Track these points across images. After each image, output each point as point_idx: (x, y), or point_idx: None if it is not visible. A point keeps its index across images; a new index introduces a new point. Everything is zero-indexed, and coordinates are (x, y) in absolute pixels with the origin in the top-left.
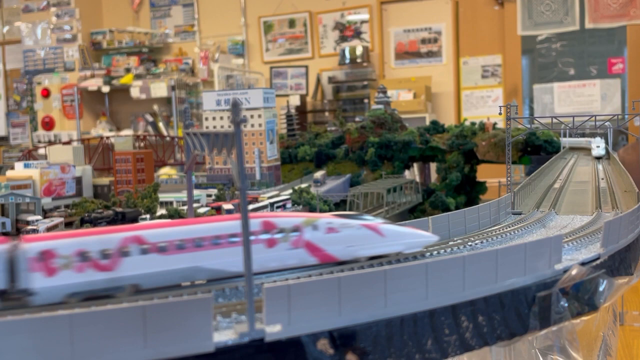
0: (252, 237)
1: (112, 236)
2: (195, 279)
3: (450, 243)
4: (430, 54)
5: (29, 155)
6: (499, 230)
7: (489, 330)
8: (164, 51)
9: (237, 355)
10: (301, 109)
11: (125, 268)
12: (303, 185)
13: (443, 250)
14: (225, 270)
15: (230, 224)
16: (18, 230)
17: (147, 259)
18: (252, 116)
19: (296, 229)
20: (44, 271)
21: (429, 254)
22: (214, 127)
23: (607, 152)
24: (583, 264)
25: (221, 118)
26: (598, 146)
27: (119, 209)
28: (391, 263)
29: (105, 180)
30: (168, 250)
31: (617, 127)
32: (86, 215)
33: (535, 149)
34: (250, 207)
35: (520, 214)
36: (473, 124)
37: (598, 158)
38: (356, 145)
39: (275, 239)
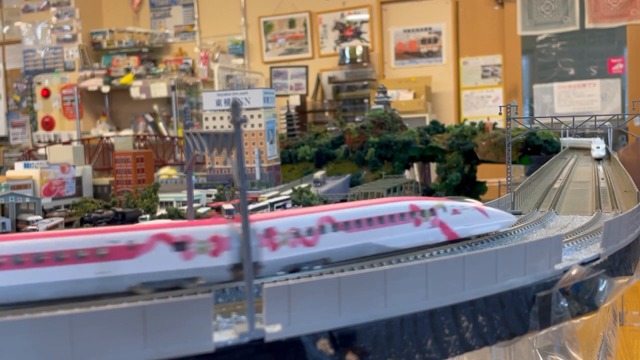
0: (403, 218)
1: (312, 216)
2: (366, 253)
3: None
4: (430, 54)
5: (29, 155)
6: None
7: (489, 330)
8: (164, 51)
9: (237, 355)
10: (301, 109)
11: (322, 244)
12: (303, 185)
13: (443, 250)
14: (387, 246)
15: (392, 206)
16: (18, 230)
17: (337, 235)
18: (252, 116)
19: (432, 210)
20: (269, 246)
21: (428, 254)
22: (214, 127)
23: (608, 152)
24: (583, 264)
25: (221, 118)
26: (598, 147)
27: (119, 209)
28: (391, 263)
29: (105, 180)
30: (350, 228)
31: (617, 127)
32: (86, 215)
33: (535, 149)
34: (250, 207)
35: (520, 214)
36: (473, 124)
37: (598, 159)
38: (356, 145)
39: (420, 219)
